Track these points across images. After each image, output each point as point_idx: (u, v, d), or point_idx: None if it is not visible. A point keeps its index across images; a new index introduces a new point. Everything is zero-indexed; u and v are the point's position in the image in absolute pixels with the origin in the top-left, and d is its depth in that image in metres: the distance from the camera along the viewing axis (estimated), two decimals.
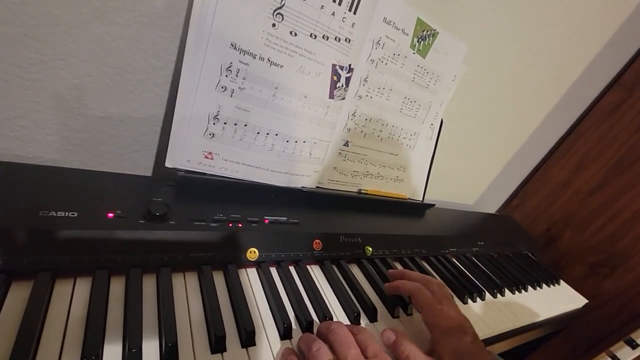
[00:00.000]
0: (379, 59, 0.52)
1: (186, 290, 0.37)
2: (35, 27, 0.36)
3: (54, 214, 0.33)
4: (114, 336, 0.29)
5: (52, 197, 0.35)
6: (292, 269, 0.45)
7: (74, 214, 0.34)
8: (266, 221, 0.46)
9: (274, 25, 0.41)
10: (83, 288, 0.32)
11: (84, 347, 0.27)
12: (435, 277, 0.57)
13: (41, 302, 0.29)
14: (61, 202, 0.35)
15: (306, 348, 0.33)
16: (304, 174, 0.53)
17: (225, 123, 0.43)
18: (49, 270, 0.31)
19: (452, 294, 0.54)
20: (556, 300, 0.72)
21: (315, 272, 0.47)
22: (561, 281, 0.81)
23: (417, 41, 0.55)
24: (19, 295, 0.29)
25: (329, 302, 0.43)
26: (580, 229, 0.93)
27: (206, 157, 0.44)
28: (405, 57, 0.55)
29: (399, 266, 0.57)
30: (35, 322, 0.27)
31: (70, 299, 0.31)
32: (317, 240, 0.48)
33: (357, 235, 0.54)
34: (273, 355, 0.34)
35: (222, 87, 0.41)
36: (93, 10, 0.37)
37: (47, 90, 0.40)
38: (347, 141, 0.57)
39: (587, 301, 0.78)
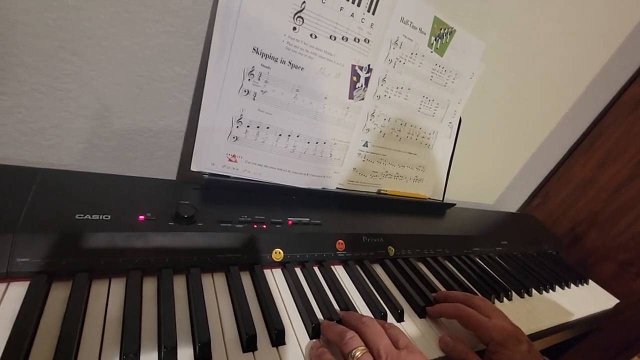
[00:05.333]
0: (397, 58, 0.52)
1: (215, 291, 0.37)
2: (70, 41, 0.38)
3: (89, 217, 0.34)
4: (149, 335, 0.30)
5: (86, 201, 0.36)
6: (316, 269, 0.46)
7: (107, 217, 0.35)
8: (289, 222, 0.46)
9: (294, 28, 0.41)
10: (118, 288, 0.33)
11: (123, 345, 0.28)
12: (459, 277, 0.56)
13: (80, 302, 0.30)
14: (95, 206, 0.36)
15: (338, 337, 0.33)
16: (325, 175, 0.53)
17: (248, 126, 0.44)
18: (86, 271, 0.32)
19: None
20: (586, 300, 0.70)
21: (340, 273, 0.47)
22: (590, 280, 0.78)
23: (435, 40, 0.55)
24: (59, 295, 0.31)
25: (355, 302, 0.43)
26: (608, 226, 0.89)
27: (230, 160, 0.45)
28: (423, 56, 0.55)
29: (422, 266, 0.56)
30: (76, 320, 0.28)
31: (107, 298, 0.32)
32: (340, 241, 0.49)
33: (380, 235, 0.53)
34: (303, 354, 0.34)
35: (245, 91, 0.42)
36: (123, 22, 0.39)
37: (80, 100, 0.42)
38: (366, 141, 0.57)
39: (617, 301, 0.75)
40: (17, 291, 0.29)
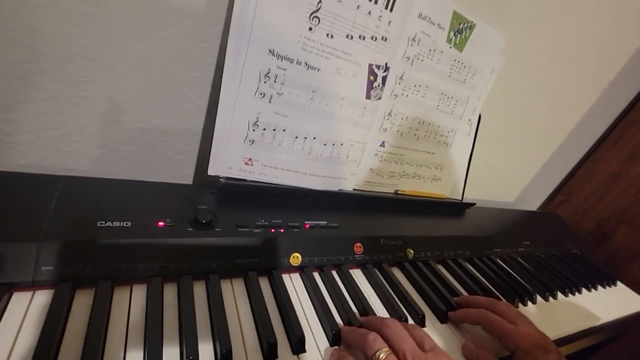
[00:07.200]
0: (414, 55, 0.51)
1: (234, 297, 0.37)
2: (87, 47, 0.38)
3: (111, 224, 0.35)
4: (171, 342, 0.30)
5: (107, 208, 0.36)
6: (334, 273, 0.45)
7: (127, 224, 0.35)
8: (307, 226, 0.46)
9: (310, 29, 0.40)
10: (139, 295, 0.33)
11: (146, 354, 0.28)
12: (481, 280, 0.54)
13: (104, 309, 0.30)
14: (116, 212, 0.36)
15: (360, 340, 0.33)
16: (341, 177, 0.52)
17: (264, 129, 0.43)
18: (109, 278, 0.32)
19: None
20: (614, 302, 0.67)
21: (358, 277, 0.46)
22: (618, 282, 0.75)
23: (454, 35, 0.53)
24: (83, 302, 0.31)
25: (375, 307, 0.42)
26: (637, 224, 0.85)
27: (246, 164, 0.45)
28: (442, 52, 0.53)
29: (442, 269, 0.55)
30: (100, 327, 0.28)
31: (129, 305, 0.32)
32: (358, 244, 0.48)
33: (398, 237, 0.52)
34: None
35: (261, 94, 0.41)
36: (138, 27, 0.38)
37: (98, 106, 0.42)
38: (383, 141, 0.56)
39: None
40: (43, 299, 0.30)
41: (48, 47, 0.37)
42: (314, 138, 0.47)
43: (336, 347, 0.35)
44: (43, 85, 0.39)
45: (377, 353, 0.31)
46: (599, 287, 0.69)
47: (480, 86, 0.61)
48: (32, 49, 0.37)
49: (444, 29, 0.52)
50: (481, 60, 0.58)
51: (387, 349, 0.31)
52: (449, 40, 0.53)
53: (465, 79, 0.59)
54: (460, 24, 0.53)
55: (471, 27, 0.54)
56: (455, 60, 0.56)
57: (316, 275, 0.43)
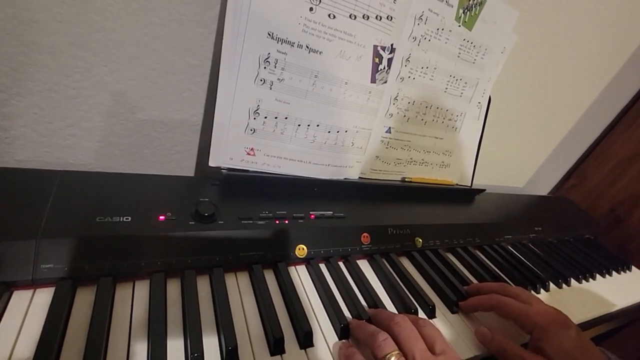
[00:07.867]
0: (421, 35, 0.48)
1: (239, 291, 0.36)
2: (80, 36, 0.36)
3: (110, 219, 0.34)
4: (175, 339, 0.30)
5: (106, 202, 0.35)
6: (341, 264, 0.44)
7: (128, 219, 0.35)
8: (312, 216, 0.44)
9: (311, 9, 0.38)
10: (142, 291, 0.33)
11: (150, 352, 0.27)
12: (492, 268, 0.53)
13: (106, 307, 0.29)
14: (115, 207, 0.35)
15: (370, 339, 0.32)
16: (347, 165, 0.51)
17: (265, 117, 0.42)
18: (110, 275, 0.31)
19: None
20: (629, 288, 0.65)
21: (365, 267, 0.45)
22: (633, 267, 0.73)
23: (463, 12, 0.50)
24: (84, 300, 0.30)
25: (383, 299, 0.41)
26: None
27: (248, 154, 0.43)
28: (450, 31, 0.51)
29: (452, 257, 0.53)
30: (103, 325, 0.28)
31: (132, 302, 0.31)
32: (365, 234, 0.46)
33: (406, 226, 0.51)
34: (332, 356, 0.33)
35: (261, 80, 0.40)
36: (131, 12, 0.37)
37: (94, 97, 0.40)
38: (390, 127, 0.54)
39: None
40: (44, 297, 0.29)
41: (40, 37, 0.35)
42: (318, 125, 0.45)
43: (344, 340, 0.34)
44: (37, 78, 0.37)
45: (388, 356, 0.30)
46: (614, 273, 0.67)
47: (490, 67, 0.59)
48: (23, 40, 0.35)
49: (452, 6, 0.49)
50: (492, 39, 0.56)
51: (397, 351, 0.30)
52: (457, 19, 0.51)
53: (475, 60, 0.56)
54: (469, 0, 0.50)
55: (481, 3, 0.51)
56: (465, 40, 0.53)
57: (323, 266, 0.42)
